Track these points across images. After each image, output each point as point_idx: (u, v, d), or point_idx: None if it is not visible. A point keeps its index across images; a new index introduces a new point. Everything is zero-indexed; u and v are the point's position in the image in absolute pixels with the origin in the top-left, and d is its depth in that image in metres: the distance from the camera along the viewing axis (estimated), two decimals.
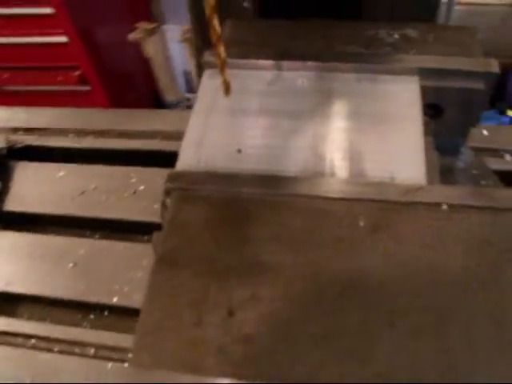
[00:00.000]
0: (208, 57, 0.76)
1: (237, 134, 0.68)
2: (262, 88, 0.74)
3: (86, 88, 2.59)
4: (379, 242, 0.57)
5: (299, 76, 0.74)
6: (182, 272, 0.57)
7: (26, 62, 2.54)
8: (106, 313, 0.91)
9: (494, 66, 0.74)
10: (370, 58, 0.75)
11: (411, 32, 0.79)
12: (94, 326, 0.91)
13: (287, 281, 0.56)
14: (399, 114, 0.69)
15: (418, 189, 0.60)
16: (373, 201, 0.60)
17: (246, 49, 0.77)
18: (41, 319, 0.92)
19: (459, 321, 0.52)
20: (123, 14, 2.62)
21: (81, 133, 1.08)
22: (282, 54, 0.75)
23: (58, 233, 1.01)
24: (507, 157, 1.03)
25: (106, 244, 0.94)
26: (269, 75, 0.75)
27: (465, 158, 0.90)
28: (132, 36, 2.71)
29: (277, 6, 0.93)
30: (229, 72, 0.67)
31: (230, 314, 0.54)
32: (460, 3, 2.49)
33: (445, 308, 0.52)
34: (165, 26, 2.97)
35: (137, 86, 3.01)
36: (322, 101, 0.71)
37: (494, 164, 0.96)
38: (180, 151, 0.67)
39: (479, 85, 0.74)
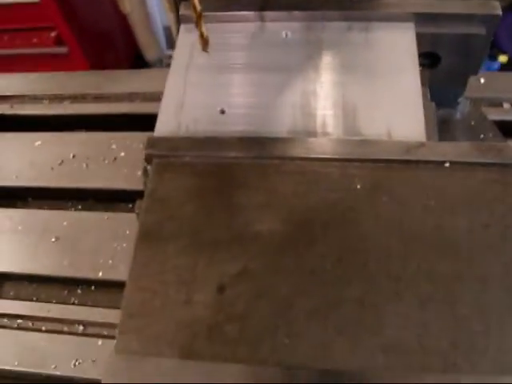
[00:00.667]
0: (184, 10, 0.70)
1: (219, 92, 0.63)
2: (245, 41, 0.68)
3: (64, 49, 2.48)
4: (378, 205, 0.53)
5: (284, 27, 0.68)
6: (167, 247, 0.53)
7: None
8: (92, 287, 0.87)
9: (496, 8, 0.68)
10: (362, 4, 0.69)
11: None
12: (82, 302, 0.87)
13: (281, 251, 0.51)
14: (395, 65, 0.64)
15: (418, 146, 0.56)
16: (369, 160, 0.56)
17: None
18: (27, 297, 0.88)
19: (469, 287, 0.48)
20: None
21: (56, 98, 1.01)
22: (264, 2, 0.69)
23: (40, 205, 0.96)
24: (505, 105, 0.98)
25: (88, 215, 0.89)
26: (251, 27, 0.69)
27: (462, 108, 0.86)
28: None
29: None
30: (207, 25, 0.61)
31: (221, 290, 0.50)
32: None
33: (453, 275, 0.49)
34: None
35: (116, 45, 2.90)
36: (310, 53, 0.66)
37: (493, 114, 0.91)
38: (159, 114, 0.62)
39: (479, 29, 0.68)
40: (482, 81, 1.00)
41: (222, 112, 0.61)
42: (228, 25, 0.70)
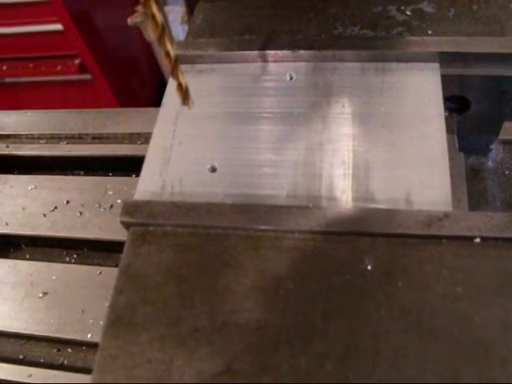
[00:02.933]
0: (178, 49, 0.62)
1: (210, 146, 0.55)
2: (244, 85, 0.60)
3: (87, 76, 2.48)
4: (392, 291, 0.44)
5: (289, 68, 0.60)
6: (139, 337, 0.44)
7: (23, 53, 2.46)
8: (83, 347, 0.79)
9: None
10: (378, 42, 0.60)
11: (427, 6, 0.64)
12: (73, 362, 0.79)
13: (272, 348, 0.42)
14: (416, 115, 0.54)
15: (443, 217, 0.46)
16: (383, 235, 0.46)
17: (221, 37, 0.63)
18: (13, 355, 0.81)
19: None
20: None
21: (53, 138, 0.95)
22: (266, 41, 0.61)
23: (32, 253, 0.90)
24: None
25: (79, 269, 0.82)
26: (252, 69, 0.61)
27: (494, 155, 0.76)
28: (131, 20, 2.57)
29: None
30: (201, 67, 0.54)
31: None
32: None
33: None
34: (166, 8, 2.82)
35: (141, 73, 2.89)
36: (317, 100, 0.57)
37: None
38: (141, 172, 0.54)
39: None
40: None
41: (213, 170, 0.53)
42: (226, 66, 0.62)
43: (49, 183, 0.90)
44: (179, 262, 0.47)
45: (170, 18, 2.85)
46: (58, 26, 2.27)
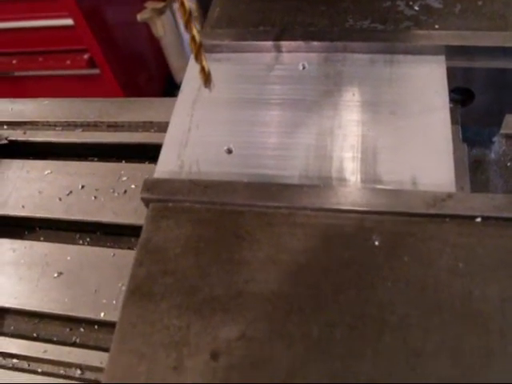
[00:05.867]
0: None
1: (227, 130, 0.58)
2: (259, 74, 0.63)
3: (96, 71, 2.51)
4: (398, 266, 0.46)
5: (302, 58, 0.63)
6: (158, 305, 0.47)
7: (33, 47, 2.48)
8: (96, 326, 0.82)
9: None
10: (387, 35, 0.63)
11: (434, 2, 0.67)
12: (84, 341, 0.82)
13: (284, 316, 0.45)
14: (422, 104, 0.57)
15: (446, 197, 0.49)
16: (390, 213, 0.49)
17: (238, 28, 0.66)
18: (27, 333, 0.84)
19: (500, 369, 0.41)
20: None
21: (69, 126, 0.98)
22: (280, 32, 0.64)
23: (47, 236, 0.92)
24: None
25: (93, 251, 0.84)
26: (267, 58, 0.64)
27: (496, 147, 0.78)
28: (140, 16, 2.60)
29: None
30: (220, 56, 0.57)
31: (215, 357, 0.44)
32: None
33: (481, 353, 0.42)
34: (175, 4, 2.86)
35: (148, 67, 2.91)
36: (328, 88, 0.60)
37: None
38: (160, 153, 0.57)
39: None
40: None
41: (229, 152, 0.56)
42: (242, 55, 0.65)
43: (64, 168, 0.93)
44: (197, 235, 0.50)
45: (179, 14, 2.88)
46: (69, 21, 2.29)
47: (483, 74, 0.64)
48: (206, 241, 0.50)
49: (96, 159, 0.97)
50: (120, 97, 2.54)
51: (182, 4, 0.48)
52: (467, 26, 0.64)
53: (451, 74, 0.61)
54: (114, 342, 0.47)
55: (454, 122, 0.66)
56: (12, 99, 1.07)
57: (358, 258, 0.47)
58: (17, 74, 2.64)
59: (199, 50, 0.49)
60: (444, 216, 0.48)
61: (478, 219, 0.48)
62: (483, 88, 0.66)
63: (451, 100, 0.66)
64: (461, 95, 0.67)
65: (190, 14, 0.48)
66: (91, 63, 2.46)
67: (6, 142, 0.98)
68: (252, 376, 0.43)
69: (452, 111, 0.61)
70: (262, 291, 0.46)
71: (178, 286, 0.48)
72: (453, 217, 0.48)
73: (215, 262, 0.49)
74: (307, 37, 0.64)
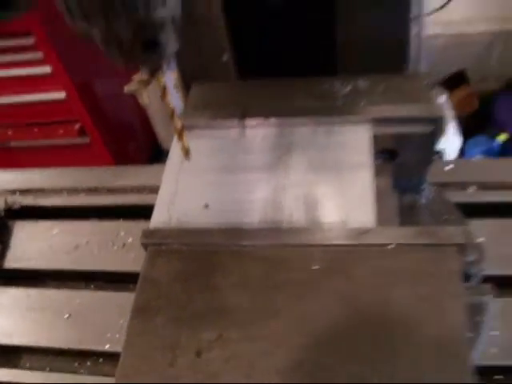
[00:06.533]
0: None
1: (204, 190, 0.76)
2: (228, 146, 0.81)
3: (86, 140, 2.65)
4: (333, 283, 0.63)
5: (262, 132, 0.82)
6: (155, 320, 0.63)
7: (28, 119, 2.60)
8: (101, 360, 0.96)
9: (439, 111, 0.81)
10: (326, 111, 0.82)
11: (362, 83, 0.87)
12: (91, 373, 0.96)
13: (250, 321, 0.62)
14: (351, 163, 0.76)
15: (367, 231, 0.67)
16: (327, 245, 0.67)
17: (211, 110, 0.85)
18: (41, 368, 0.98)
19: (405, 349, 0.58)
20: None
21: (73, 191, 1.15)
22: (244, 112, 0.83)
23: (56, 286, 1.07)
24: (470, 189, 1.08)
25: (98, 294, 1.00)
26: (234, 133, 0.82)
27: (426, 194, 0.96)
28: (127, 88, 2.79)
29: (255, 60, 1.02)
30: (197, 132, 0.75)
31: (198, 354, 0.60)
32: (440, 35, 2.57)
33: (392, 340, 0.58)
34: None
35: (136, 136, 3.07)
36: (281, 155, 0.78)
37: (458, 197, 1.00)
38: (154, 210, 0.74)
39: (426, 129, 0.80)
40: (451, 167, 1.11)
41: (206, 206, 0.73)
42: (214, 131, 0.83)
43: (70, 227, 1.10)
44: (183, 269, 0.67)
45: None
46: (61, 95, 2.46)
47: (403, 138, 0.83)
48: (190, 273, 0.67)
49: (97, 219, 1.14)
50: (110, 163, 2.69)
51: (172, 115, 0.65)
52: (388, 100, 0.84)
53: (377, 138, 0.80)
54: (122, 349, 0.62)
55: (386, 175, 0.85)
56: (23, 170, 1.25)
57: (300, 279, 0.64)
58: (11, 144, 2.77)
59: (181, 134, 0.67)
60: (366, 245, 0.66)
61: (392, 246, 0.66)
62: (404, 148, 0.84)
63: (381, 158, 0.85)
64: (388, 154, 0.86)
65: (173, 112, 0.66)
66: (82, 132, 2.61)
67: (19, 207, 1.15)
68: (225, 367, 0.59)
69: (383, 166, 0.80)
70: (233, 306, 0.63)
71: (170, 305, 0.64)
72: (373, 245, 0.66)
73: (198, 287, 0.65)
74: (265, 115, 0.83)
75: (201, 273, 0.67)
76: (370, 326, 0.60)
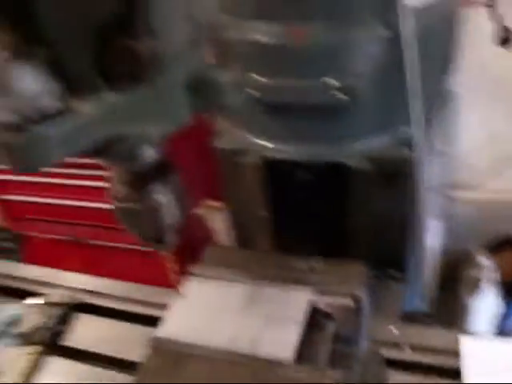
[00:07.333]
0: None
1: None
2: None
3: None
4: None
5: (241, 291, 1.27)
6: None
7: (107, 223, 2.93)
8: None
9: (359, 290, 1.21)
10: (281, 281, 1.26)
11: (314, 264, 1.30)
12: None
13: None
14: (289, 315, 1.18)
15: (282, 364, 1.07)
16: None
17: (221, 268, 1.31)
18: None
19: None
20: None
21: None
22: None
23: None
24: (407, 349, 1.34)
25: None
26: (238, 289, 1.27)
27: (363, 348, 1.30)
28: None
29: (290, 218, 1.41)
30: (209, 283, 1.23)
31: None
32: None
33: None
34: None
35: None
36: (247, 307, 1.22)
37: (392, 354, 1.31)
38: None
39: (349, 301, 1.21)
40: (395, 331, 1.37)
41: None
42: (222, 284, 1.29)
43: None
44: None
45: None
46: None
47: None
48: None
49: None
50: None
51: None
52: (319, 280, 1.26)
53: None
54: None
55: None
56: (85, 275, 1.66)
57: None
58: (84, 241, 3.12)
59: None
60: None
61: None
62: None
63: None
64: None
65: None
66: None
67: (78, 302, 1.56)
68: None
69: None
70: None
71: None
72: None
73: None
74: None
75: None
76: None
